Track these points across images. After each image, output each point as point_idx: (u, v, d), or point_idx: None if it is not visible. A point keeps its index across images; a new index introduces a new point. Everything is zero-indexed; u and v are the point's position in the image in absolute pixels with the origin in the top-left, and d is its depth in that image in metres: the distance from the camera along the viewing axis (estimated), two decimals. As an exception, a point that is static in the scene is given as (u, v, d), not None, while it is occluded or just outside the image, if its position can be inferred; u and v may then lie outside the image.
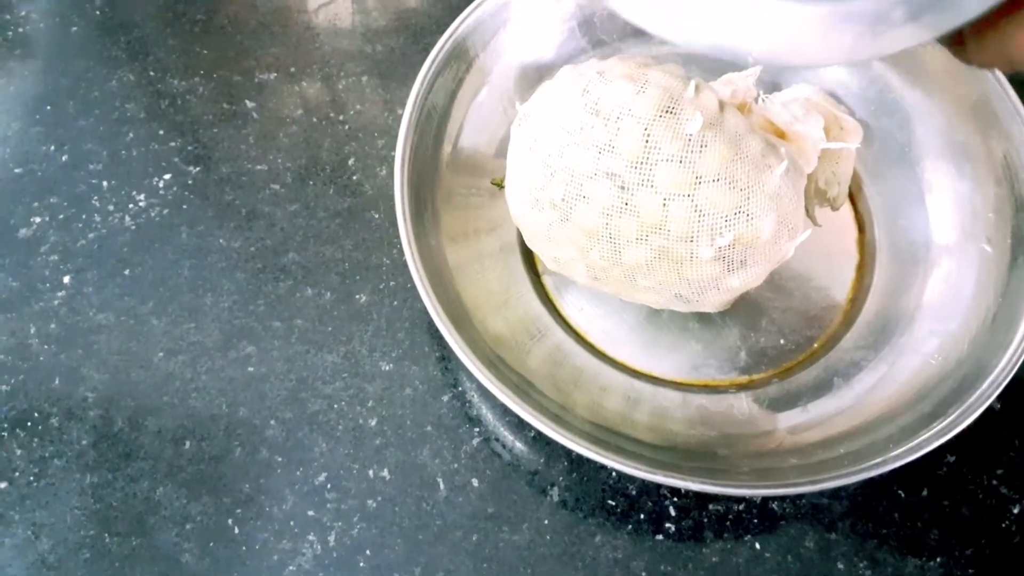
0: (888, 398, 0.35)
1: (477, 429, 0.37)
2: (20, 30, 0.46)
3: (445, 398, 0.38)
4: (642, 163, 0.30)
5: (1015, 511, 0.36)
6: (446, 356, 0.38)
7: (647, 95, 0.30)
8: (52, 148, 0.43)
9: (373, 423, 0.37)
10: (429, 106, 0.38)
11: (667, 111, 0.30)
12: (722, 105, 0.31)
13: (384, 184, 0.42)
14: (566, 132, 0.31)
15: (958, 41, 0.22)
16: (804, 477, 0.32)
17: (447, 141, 0.39)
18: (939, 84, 0.39)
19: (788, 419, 0.36)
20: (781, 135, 0.36)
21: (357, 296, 0.39)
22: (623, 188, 0.31)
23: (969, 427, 0.32)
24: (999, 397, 0.37)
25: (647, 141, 0.30)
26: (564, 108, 0.32)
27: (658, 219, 0.31)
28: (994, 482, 0.36)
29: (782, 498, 0.36)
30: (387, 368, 0.38)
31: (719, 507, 0.36)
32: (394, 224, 0.40)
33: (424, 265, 0.34)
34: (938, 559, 0.35)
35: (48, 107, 0.44)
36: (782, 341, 0.38)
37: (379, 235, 0.41)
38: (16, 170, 0.42)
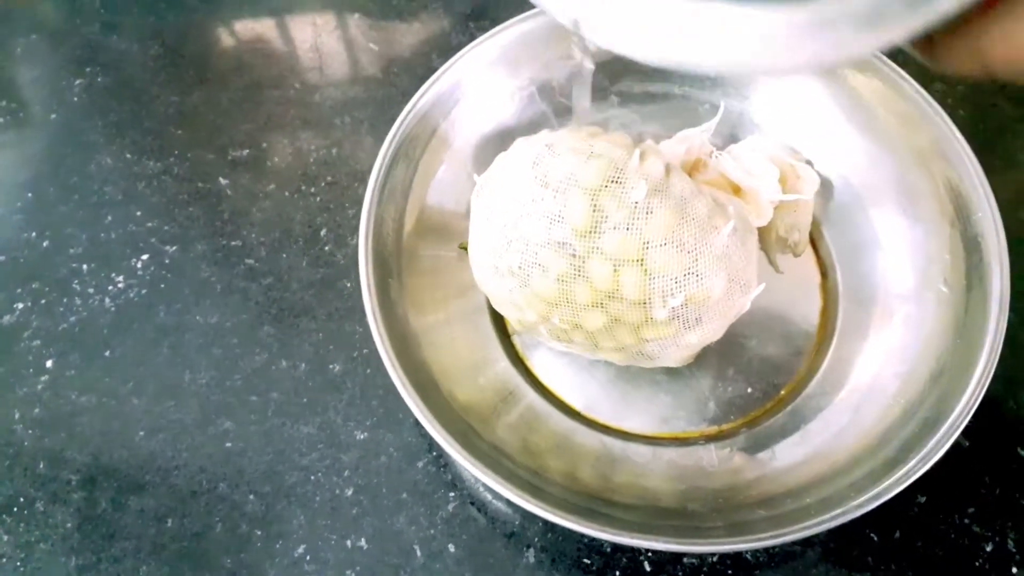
0: (854, 443, 0.36)
1: (452, 493, 0.38)
2: (0, 120, 0.48)
3: (420, 464, 0.38)
4: (591, 232, 0.31)
5: (988, 549, 0.36)
6: (419, 422, 0.39)
7: (592, 165, 0.31)
8: (34, 234, 0.44)
9: (349, 493, 0.38)
10: (393, 177, 0.39)
11: (612, 180, 0.31)
12: (668, 169, 0.32)
13: (356, 253, 0.42)
14: (519, 203, 0.32)
15: (927, 46, 0.22)
16: (773, 529, 0.32)
17: (412, 209, 0.40)
18: (890, 130, 0.40)
19: (757, 469, 0.37)
20: (736, 190, 0.37)
21: (331, 366, 0.40)
22: (574, 256, 0.32)
23: (938, 466, 0.32)
24: (967, 435, 0.37)
25: (594, 210, 0.31)
26: (516, 180, 0.33)
27: (610, 285, 0.32)
28: (966, 520, 0.36)
29: (754, 550, 0.36)
30: (362, 437, 0.39)
31: (693, 560, 0.36)
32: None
33: (390, 336, 0.35)
34: (914, 602, 0.35)
35: (29, 194, 0.45)
36: (749, 390, 0.39)
37: (351, 304, 0.42)
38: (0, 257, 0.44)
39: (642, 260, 0.31)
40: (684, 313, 0.33)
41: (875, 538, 0.36)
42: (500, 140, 0.42)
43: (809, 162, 0.40)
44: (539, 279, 0.33)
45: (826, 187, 0.41)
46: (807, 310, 0.40)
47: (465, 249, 0.40)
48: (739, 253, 0.33)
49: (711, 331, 0.34)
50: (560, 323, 0.34)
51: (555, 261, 0.32)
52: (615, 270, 0.32)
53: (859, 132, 0.41)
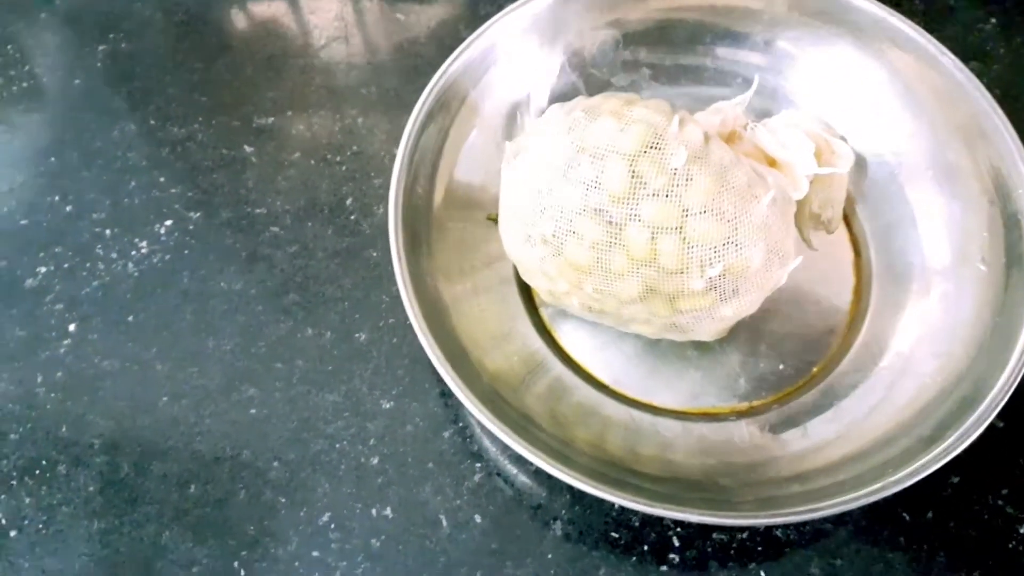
0: (888, 421, 0.36)
1: (479, 464, 0.37)
2: (24, 84, 0.48)
3: (446, 434, 0.38)
4: (628, 199, 0.31)
5: (1022, 531, 0.35)
6: (446, 392, 0.39)
7: (631, 131, 0.31)
8: (56, 199, 0.44)
9: (375, 462, 0.37)
10: (422, 145, 0.38)
11: (652, 146, 0.31)
12: (707, 137, 0.32)
13: (382, 223, 0.42)
14: (554, 169, 0.32)
15: None
16: (806, 504, 0.32)
17: (441, 178, 0.40)
18: (927, 106, 0.39)
19: (788, 445, 0.36)
20: (772, 162, 0.37)
21: (357, 335, 0.40)
22: (611, 223, 0.31)
23: (972, 447, 0.32)
24: (1002, 416, 0.37)
25: (632, 177, 0.31)
26: (551, 146, 0.33)
27: (647, 253, 0.31)
28: (999, 502, 0.36)
29: (786, 525, 0.36)
30: (388, 406, 0.38)
31: (723, 536, 0.36)
32: (392, 262, 0.41)
33: (420, 304, 0.35)
34: (946, 582, 0.35)
35: (52, 159, 0.45)
36: (781, 366, 0.39)
37: (377, 273, 0.41)
38: (22, 221, 0.43)
39: (681, 228, 0.31)
40: (721, 284, 0.32)
41: (907, 518, 0.36)
42: (530, 110, 0.42)
43: (844, 137, 0.40)
44: (574, 247, 0.32)
45: (860, 163, 0.41)
46: (840, 287, 0.40)
47: (494, 220, 0.40)
48: (778, 224, 0.33)
49: (747, 303, 0.34)
50: (593, 292, 0.34)
51: (591, 228, 0.32)
52: (653, 238, 0.31)
53: (896, 107, 0.40)
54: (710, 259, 0.31)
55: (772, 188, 0.32)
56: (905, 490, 0.32)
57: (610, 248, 0.32)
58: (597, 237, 0.32)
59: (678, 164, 0.31)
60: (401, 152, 0.37)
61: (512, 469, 0.37)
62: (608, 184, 0.31)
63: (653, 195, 0.31)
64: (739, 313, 0.34)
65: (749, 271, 0.32)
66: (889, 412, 0.36)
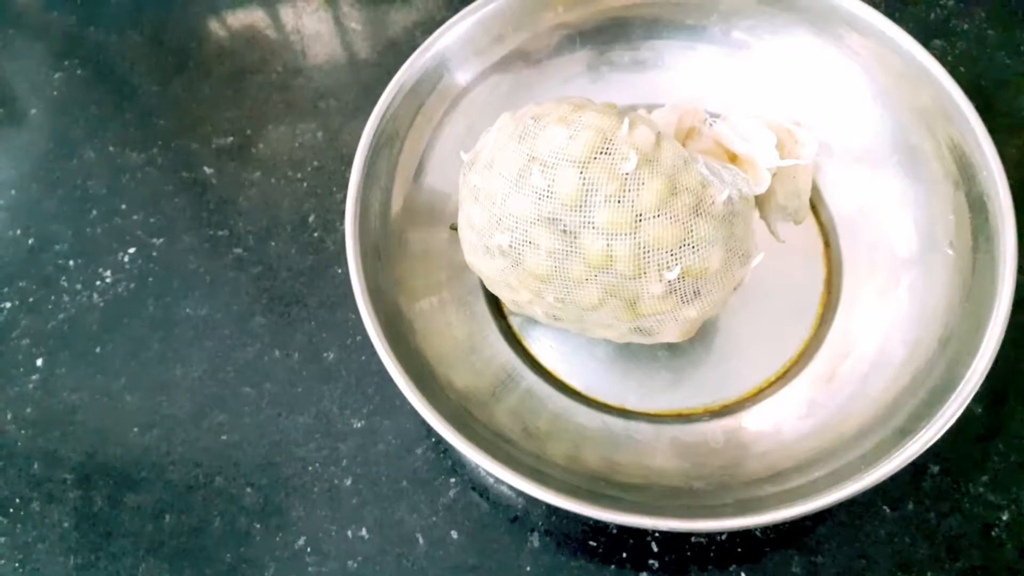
0: (862, 414, 0.36)
1: (453, 479, 0.38)
2: (-20, 117, 0.49)
3: (419, 451, 0.39)
4: (581, 206, 0.32)
5: (1004, 518, 0.36)
6: (415, 409, 0.40)
7: (580, 138, 0.32)
8: (18, 232, 0.45)
9: (349, 482, 0.38)
10: (379, 159, 0.39)
11: (602, 152, 0.32)
12: (659, 139, 0.33)
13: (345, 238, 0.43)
14: (506, 179, 0.33)
15: None
16: (783, 504, 0.33)
17: (399, 191, 0.40)
18: (889, 89, 0.40)
19: (763, 443, 0.37)
20: (733, 158, 0.38)
21: (325, 354, 0.41)
22: (565, 232, 0.32)
23: (950, 435, 0.32)
24: (979, 401, 0.38)
25: (584, 184, 0.32)
26: (503, 155, 0.34)
27: (603, 259, 0.32)
28: (980, 490, 0.37)
29: (765, 526, 0.37)
30: (359, 425, 0.40)
31: (702, 539, 0.37)
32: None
33: (383, 324, 0.35)
34: (928, 574, 0.36)
35: (12, 191, 0.46)
36: (753, 362, 0.39)
37: (343, 290, 0.42)
38: (-16, 258, 0.45)
39: (635, 232, 0.32)
40: (681, 286, 0.33)
41: (887, 511, 0.37)
42: (488, 115, 0.42)
43: (807, 127, 0.41)
44: (531, 257, 0.33)
45: (825, 151, 0.41)
46: (810, 279, 0.41)
47: (455, 230, 0.41)
48: (737, 223, 0.33)
49: (711, 304, 0.35)
50: (554, 301, 0.34)
51: (546, 237, 0.33)
52: (608, 244, 0.32)
53: (858, 93, 0.41)
54: (667, 262, 0.32)
55: (728, 187, 0.33)
56: (884, 483, 0.32)
57: (567, 256, 0.33)
58: (553, 246, 0.33)
59: (628, 169, 0.31)
60: (356, 168, 0.38)
61: (487, 482, 0.38)
62: (560, 192, 0.32)
63: (605, 201, 0.32)
64: (704, 313, 0.35)
65: (708, 272, 0.33)
66: (863, 405, 0.37)
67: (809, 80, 0.42)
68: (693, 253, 0.32)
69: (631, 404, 0.39)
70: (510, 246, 0.33)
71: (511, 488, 0.38)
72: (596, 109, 0.34)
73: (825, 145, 0.41)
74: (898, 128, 0.40)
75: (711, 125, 0.38)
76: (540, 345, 0.40)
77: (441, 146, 0.42)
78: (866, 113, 0.40)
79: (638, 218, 0.32)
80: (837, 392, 0.38)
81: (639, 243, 0.32)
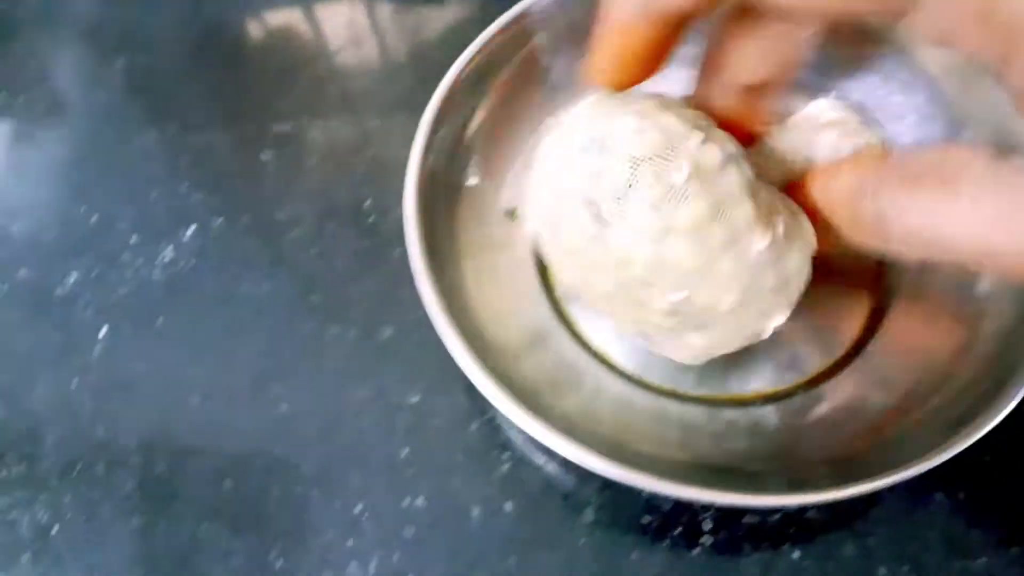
0: (918, 405, 0.37)
1: (507, 454, 0.39)
2: (47, 101, 0.51)
3: (473, 426, 0.40)
4: (620, 199, 0.31)
5: (1056, 505, 0.37)
6: (470, 385, 0.41)
7: (646, 136, 0.32)
8: (83, 209, 0.47)
9: (404, 453, 0.40)
10: (439, 140, 0.41)
11: (660, 155, 0.31)
12: (728, 162, 0.32)
13: (400, 224, 0.44)
14: (567, 153, 0.34)
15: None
16: (837, 486, 0.34)
17: (455, 176, 0.42)
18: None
19: (816, 430, 0.38)
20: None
21: (382, 331, 0.42)
22: (599, 217, 0.32)
23: (1004, 424, 0.33)
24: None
25: (629, 179, 0.31)
26: (573, 130, 0.35)
27: (623, 256, 0.32)
28: (1035, 476, 0.38)
29: (818, 507, 0.38)
30: (415, 400, 0.41)
31: (754, 519, 0.38)
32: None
33: (444, 304, 0.36)
34: (982, 559, 0.36)
35: (77, 171, 0.48)
36: (807, 350, 0.40)
37: (400, 270, 0.43)
38: (50, 233, 0.46)
39: (659, 243, 0.31)
40: (685, 311, 0.33)
41: (941, 496, 0.38)
42: (549, 101, 0.44)
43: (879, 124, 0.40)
44: (566, 231, 0.34)
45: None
46: (864, 266, 0.42)
47: (510, 215, 0.43)
48: (769, 275, 0.33)
49: (719, 342, 0.34)
50: (575, 280, 0.35)
51: (582, 216, 0.33)
52: (632, 243, 0.32)
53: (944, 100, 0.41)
54: (678, 283, 0.32)
55: (768, 238, 0.32)
56: (937, 468, 0.33)
57: (594, 241, 0.33)
58: (585, 227, 0.33)
59: (677, 180, 0.31)
60: (417, 146, 0.40)
61: (540, 459, 0.39)
62: (605, 179, 0.32)
63: (642, 202, 0.31)
64: (711, 348, 0.35)
65: (715, 310, 0.33)
66: (920, 395, 0.38)
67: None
68: (705, 286, 0.32)
69: (683, 388, 0.40)
70: (552, 216, 0.34)
71: (564, 465, 0.39)
72: (679, 114, 0.33)
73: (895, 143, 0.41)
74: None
75: (772, 135, 0.36)
76: (594, 331, 0.41)
77: (501, 129, 0.43)
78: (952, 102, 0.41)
79: (666, 230, 0.31)
80: (894, 381, 0.38)
81: (659, 254, 0.32)
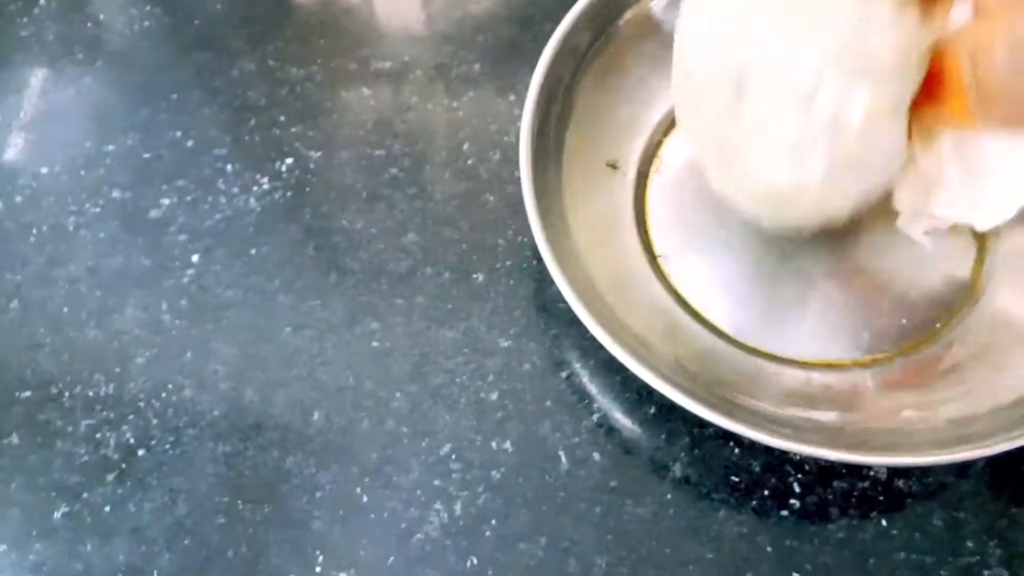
0: (1015, 382, 0.37)
1: (596, 405, 0.39)
2: (146, 24, 0.50)
3: (563, 375, 0.40)
4: None
5: None
6: (561, 335, 0.41)
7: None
8: (179, 134, 0.47)
9: (494, 397, 0.40)
10: (550, 87, 0.40)
11: None
12: None
13: (498, 168, 0.45)
14: None
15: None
16: (935, 450, 0.34)
17: (564, 121, 0.42)
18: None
19: (912, 398, 0.38)
20: None
21: (475, 276, 0.42)
22: None
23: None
24: None
25: None
26: None
27: None
28: None
29: (908, 475, 0.37)
30: (505, 344, 0.41)
31: (844, 484, 0.37)
32: (509, 206, 0.43)
33: (554, 250, 0.36)
34: (1072, 539, 0.36)
35: (174, 95, 0.48)
36: (904, 321, 0.40)
37: (494, 217, 0.44)
38: (145, 155, 0.46)
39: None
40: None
41: (1033, 473, 0.37)
42: (651, 63, 0.44)
43: None
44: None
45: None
46: (964, 242, 0.41)
47: (612, 166, 0.42)
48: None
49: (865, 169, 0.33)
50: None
51: None
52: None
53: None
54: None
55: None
56: (1030, 446, 0.33)
57: None
58: None
59: None
60: (533, 90, 0.39)
61: (629, 412, 0.39)
62: None
63: None
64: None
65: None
66: (1013, 369, 0.37)
67: None
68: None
69: (781, 351, 0.40)
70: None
71: (653, 420, 0.39)
72: None
73: None
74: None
75: None
76: (691, 289, 0.41)
77: (615, 76, 0.43)
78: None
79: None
80: (989, 359, 0.38)
81: None
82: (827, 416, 0.37)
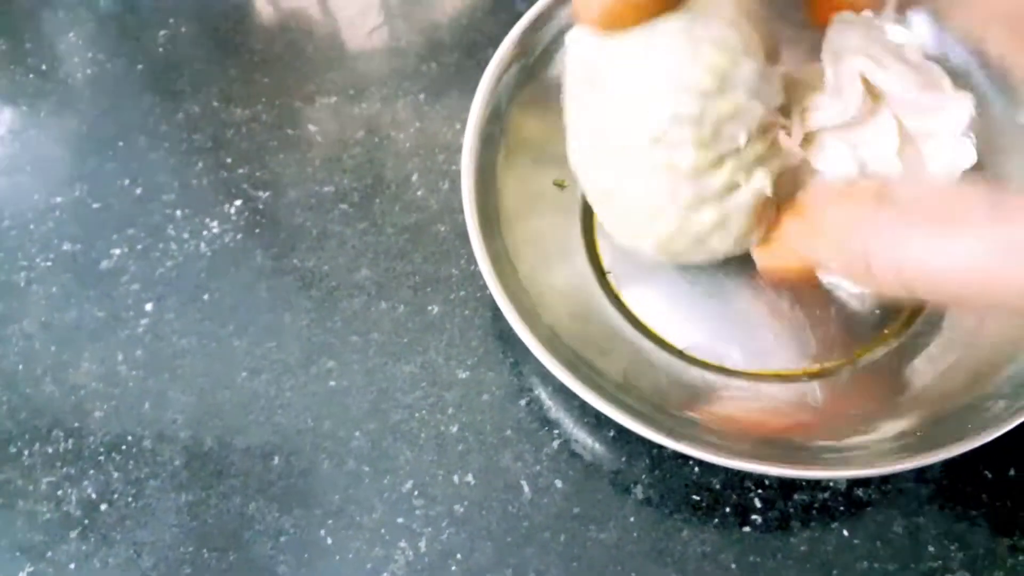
0: (963, 382, 0.37)
1: (556, 431, 0.39)
2: (88, 71, 0.50)
3: (522, 402, 0.40)
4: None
5: (1107, 487, 0.37)
6: (519, 362, 0.41)
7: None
8: (127, 182, 0.46)
9: (454, 430, 0.39)
10: (492, 111, 0.40)
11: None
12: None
13: (448, 198, 0.44)
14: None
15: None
16: (880, 460, 0.34)
17: (507, 144, 0.42)
18: None
19: (861, 406, 0.38)
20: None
21: (430, 308, 0.42)
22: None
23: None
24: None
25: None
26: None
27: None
28: (1084, 457, 0.37)
29: (867, 484, 0.37)
30: (464, 376, 0.40)
31: (804, 497, 0.37)
32: (460, 235, 0.43)
33: (502, 282, 0.36)
34: (1030, 538, 0.36)
35: (120, 142, 0.47)
36: (851, 328, 0.40)
37: (446, 248, 0.43)
38: (94, 205, 0.46)
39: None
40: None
41: (989, 475, 0.37)
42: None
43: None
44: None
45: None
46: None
47: (560, 185, 0.42)
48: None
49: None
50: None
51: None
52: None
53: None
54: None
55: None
56: (986, 447, 0.33)
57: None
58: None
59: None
60: (473, 119, 0.39)
61: (589, 436, 0.39)
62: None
63: None
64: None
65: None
66: (965, 372, 0.37)
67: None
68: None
69: (730, 363, 0.40)
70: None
71: (613, 442, 0.39)
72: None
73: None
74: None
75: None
76: (640, 304, 0.41)
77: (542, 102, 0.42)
78: None
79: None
80: (938, 360, 0.38)
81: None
82: (778, 428, 0.37)
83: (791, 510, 0.37)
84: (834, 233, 0.29)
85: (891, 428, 0.36)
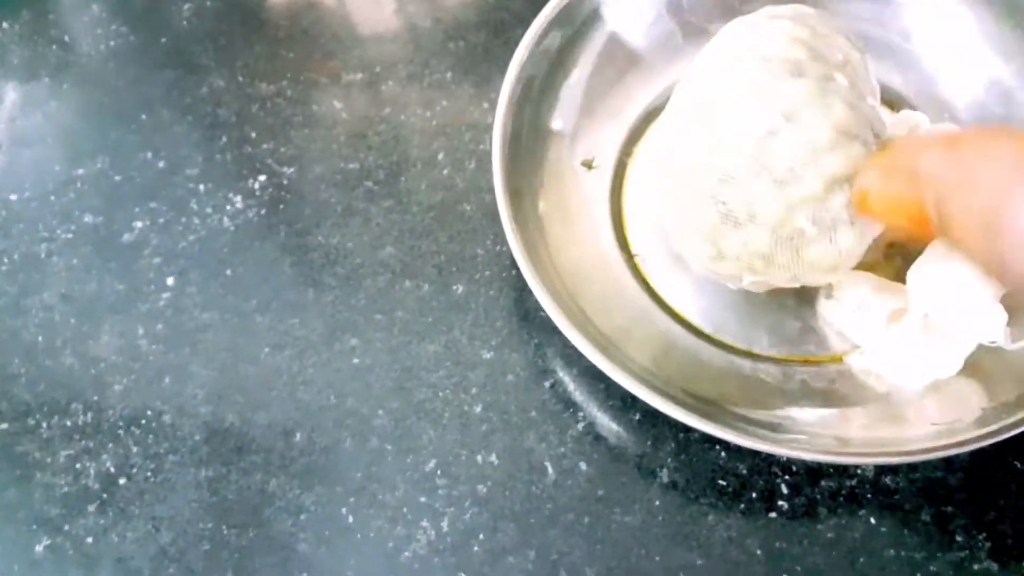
0: (997, 370, 0.36)
1: (581, 414, 0.39)
2: (112, 43, 0.49)
3: (547, 384, 0.39)
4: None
5: None
6: (543, 344, 0.40)
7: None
8: (149, 155, 0.46)
9: (478, 410, 0.39)
10: (522, 90, 0.40)
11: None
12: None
13: (474, 177, 0.44)
14: None
15: None
16: (916, 447, 0.33)
17: (538, 124, 0.41)
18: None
19: (893, 392, 0.37)
20: None
21: (454, 287, 0.41)
22: None
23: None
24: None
25: None
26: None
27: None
28: (1114, 449, 0.37)
29: (895, 472, 0.37)
30: (488, 356, 0.40)
31: (831, 483, 0.37)
32: (486, 215, 0.43)
33: (531, 260, 0.36)
34: (1060, 529, 0.36)
35: (143, 115, 0.47)
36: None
37: (472, 227, 0.43)
38: (116, 177, 0.45)
39: None
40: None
41: (1018, 465, 0.37)
42: (628, 59, 0.43)
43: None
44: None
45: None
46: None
47: (588, 166, 0.42)
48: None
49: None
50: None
51: None
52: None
53: None
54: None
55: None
56: (1016, 438, 0.33)
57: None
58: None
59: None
60: (504, 96, 0.39)
61: (614, 419, 0.39)
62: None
63: None
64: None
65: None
66: (1001, 363, 0.37)
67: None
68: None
69: (758, 348, 0.39)
70: None
71: (638, 426, 0.38)
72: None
73: None
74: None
75: None
76: (666, 288, 0.40)
77: (579, 83, 0.42)
78: None
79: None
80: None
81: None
82: (807, 414, 0.37)
83: (818, 496, 0.37)
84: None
85: (914, 416, 0.36)
